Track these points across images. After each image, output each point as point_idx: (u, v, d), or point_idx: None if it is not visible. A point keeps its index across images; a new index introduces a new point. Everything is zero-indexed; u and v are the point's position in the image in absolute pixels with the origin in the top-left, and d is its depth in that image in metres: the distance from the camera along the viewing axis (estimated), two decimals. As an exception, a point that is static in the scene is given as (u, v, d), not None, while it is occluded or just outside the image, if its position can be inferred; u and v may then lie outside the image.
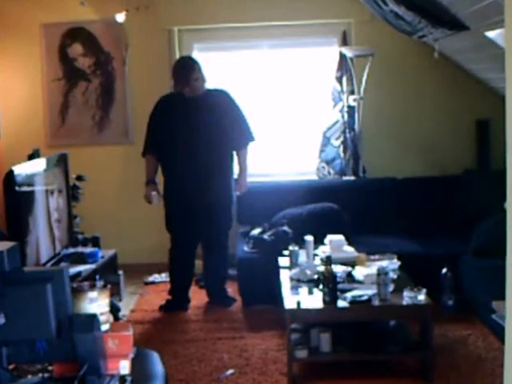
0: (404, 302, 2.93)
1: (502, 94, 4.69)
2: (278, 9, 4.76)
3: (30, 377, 1.78)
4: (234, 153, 3.98)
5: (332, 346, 2.98)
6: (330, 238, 3.69)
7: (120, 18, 4.67)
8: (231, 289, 4.14)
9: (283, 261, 3.62)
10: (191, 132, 3.82)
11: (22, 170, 3.22)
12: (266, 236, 4.01)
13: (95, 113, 4.97)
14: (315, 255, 3.58)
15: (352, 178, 4.70)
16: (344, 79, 4.70)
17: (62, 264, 3.60)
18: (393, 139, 4.96)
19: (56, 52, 4.94)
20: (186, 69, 3.84)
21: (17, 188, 3.12)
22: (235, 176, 4.05)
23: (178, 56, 4.98)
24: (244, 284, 3.98)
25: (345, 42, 4.78)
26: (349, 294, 2.98)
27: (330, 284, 2.93)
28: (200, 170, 3.82)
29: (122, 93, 4.96)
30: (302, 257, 3.53)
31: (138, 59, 4.92)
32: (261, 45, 4.98)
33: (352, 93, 4.67)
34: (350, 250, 3.61)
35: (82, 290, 1.88)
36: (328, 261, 2.98)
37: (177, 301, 4.02)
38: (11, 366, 1.71)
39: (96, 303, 1.86)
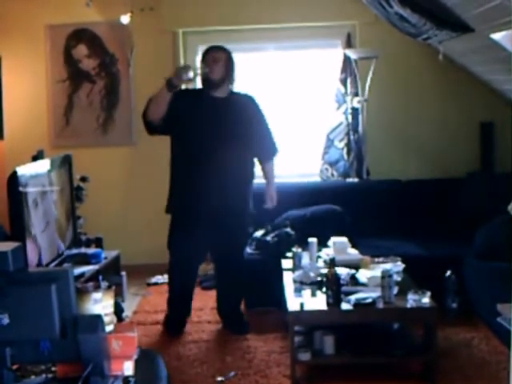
0: (408, 305, 2.92)
1: (507, 96, 4.68)
2: (282, 11, 4.77)
3: (33, 377, 1.78)
4: (258, 164, 3.69)
5: (335, 348, 2.97)
6: (333, 240, 3.68)
7: (125, 19, 4.69)
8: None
9: (286, 263, 3.62)
10: (211, 131, 3.41)
11: (25, 170, 3.22)
12: (269, 238, 4.00)
13: (99, 114, 4.99)
14: (318, 257, 3.57)
15: (355, 180, 4.70)
16: (348, 81, 4.70)
17: (66, 265, 3.60)
18: (397, 141, 4.96)
19: (61, 53, 4.95)
20: (210, 47, 3.56)
21: (20, 189, 3.12)
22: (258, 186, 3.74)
23: (182, 58, 5.00)
24: (247, 286, 3.96)
25: (349, 44, 4.78)
26: (353, 297, 2.97)
27: (333, 286, 2.92)
28: (217, 175, 3.40)
29: (127, 94, 4.97)
30: (306, 259, 3.52)
31: (142, 61, 4.92)
32: (265, 47, 4.99)
33: (356, 95, 4.67)
34: (353, 253, 3.60)
35: (86, 291, 1.88)
36: (332, 263, 2.97)
37: (175, 317, 3.69)
38: (15, 367, 1.71)
39: (100, 304, 1.86)
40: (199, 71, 3.47)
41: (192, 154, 3.42)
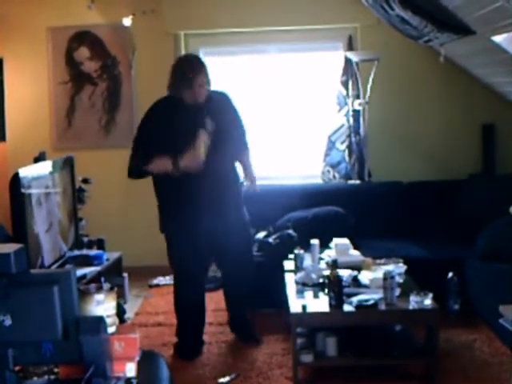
0: (410, 307, 2.92)
1: (509, 98, 4.68)
2: (284, 14, 4.78)
3: (35, 379, 1.78)
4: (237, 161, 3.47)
5: (338, 350, 2.97)
6: (335, 241, 3.68)
7: (127, 21, 4.70)
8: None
9: (288, 264, 3.62)
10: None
11: (27, 172, 3.23)
12: (271, 239, 4.01)
13: (101, 116, 4.99)
14: (321, 259, 3.57)
15: (357, 181, 4.70)
16: (349, 83, 4.71)
17: (68, 266, 3.60)
18: (398, 143, 4.96)
19: (63, 55, 4.97)
20: (192, 70, 3.15)
21: (23, 190, 3.12)
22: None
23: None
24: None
25: (350, 46, 4.78)
26: (355, 299, 2.97)
27: (335, 288, 2.92)
28: (209, 188, 3.21)
29: (128, 96, 4.98)
30: (308, 260, 3.52)
31: (144, 63, 4.94)
32: (266, 49, 5.00)
33: (357, 97, 4.67)
34: (355, 254, 3.60)
35: (89, 293, 1.88)
36: (334, 265, 2.98)
37: (187, 345, 3.40)
38: (17, 368, 1.71)
39: (103, 306, 1.86)
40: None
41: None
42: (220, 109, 3.32)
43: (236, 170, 3.47)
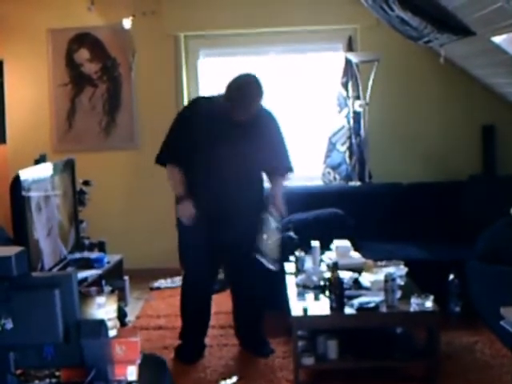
0: (411, 309, 2.92)
1: (509, 99, 4.68)
2: (284, 15, 4.78)
3: (37, 382, 1.77)
4: (266, 179, 3.44)
5: (339, 353, 2.96)
6: (336, 243, 3.67)
7: (127, 23, 4.71)
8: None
9: (289, 267, 3.61)
10: (231, 154, 3.17)
11: (28, 175, 3.23)
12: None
13: (102, 118, 4.99)
14: (321, 261, 3.56)
15: (358, 183, 4.70)
16: (350, 85, 4.71)
17: (69, 269, 3.60)
18: (399, 144, 4.96)
19: (63, 57, 4.97)
20: (254, 96, 3.14)
21: (23, 193, 3.12)
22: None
23: (184, 62, 4.99)
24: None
25: (350, 47, 4.79)
26: (356, 301, 2.96)
27: (336, 290, 2.92)
28: (236, 201, 3.19)
29: (129, 98, 4.98)
30: (308, 263, 3.51)
31: (144, 65, 4.94)
32: (266, 51, 5.00)
33: (357, 98, 4.67)
34: (356, 256, 3.60)
35: (89, 296, 1.87)
36: (334, 267, 2.97)
37: (188, 348, 3.40)
38: (18, 371, 1.71)
39: (104, 309, 1.86)
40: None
41: (209, 179, 3.20)
42: (261, 126, 3.27)
43: (262, 179, 3.41)
